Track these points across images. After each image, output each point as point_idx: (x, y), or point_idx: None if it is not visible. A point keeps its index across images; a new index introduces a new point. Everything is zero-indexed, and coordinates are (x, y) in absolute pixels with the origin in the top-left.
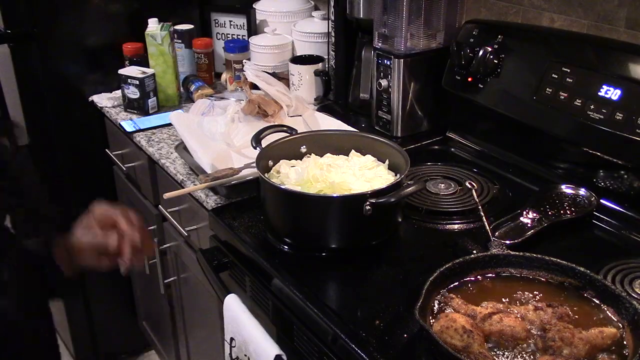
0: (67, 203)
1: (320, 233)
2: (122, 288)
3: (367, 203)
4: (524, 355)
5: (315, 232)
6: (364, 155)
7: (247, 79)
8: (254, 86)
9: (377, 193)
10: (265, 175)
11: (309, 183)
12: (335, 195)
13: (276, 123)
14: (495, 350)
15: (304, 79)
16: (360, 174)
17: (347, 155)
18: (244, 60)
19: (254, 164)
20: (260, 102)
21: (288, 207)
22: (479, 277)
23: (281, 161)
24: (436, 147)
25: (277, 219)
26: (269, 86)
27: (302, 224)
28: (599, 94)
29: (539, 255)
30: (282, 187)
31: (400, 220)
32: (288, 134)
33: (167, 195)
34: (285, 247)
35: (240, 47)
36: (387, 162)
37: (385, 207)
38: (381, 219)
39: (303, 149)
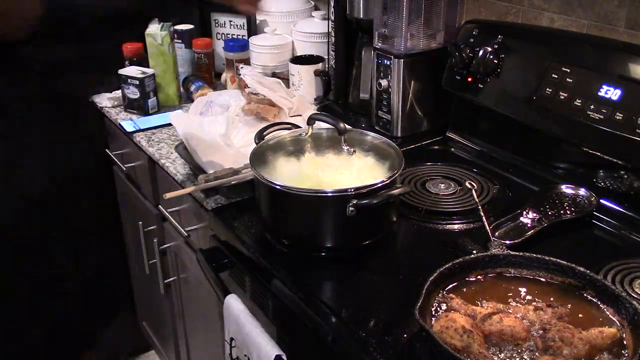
0: (66, 203)
1: (309, 231)
2: (122, 290)
3: (350, 205)
4: (524, 355)
5: (304, 230)
6: (367, 156)
7: (245, 84)
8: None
9: (360, 194)
10: (260, 170)
11: (301, 181)
12: (310, 191)
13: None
14: (495, 350)
15: (304, 79)
16: (357, 175)
17: (351, 155)
18: (241, 65)
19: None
20: (259, 111)
21: (274, 203)
22: (479, 277)
23: (279, 158)
24: (436, 147)
25: (268, 215)
26: (271, 93)
27: (289, 221)
28: (599, 94)
29: (539, 256)
30: (266, 179)
31: (394, 219)
32: (291, 130)
33: (167, 196)
34: (284, 247)
35: (240, 45)
36: (387, 163)
37: (371, 208)
38: (370, 218)
39: (307, 147)
